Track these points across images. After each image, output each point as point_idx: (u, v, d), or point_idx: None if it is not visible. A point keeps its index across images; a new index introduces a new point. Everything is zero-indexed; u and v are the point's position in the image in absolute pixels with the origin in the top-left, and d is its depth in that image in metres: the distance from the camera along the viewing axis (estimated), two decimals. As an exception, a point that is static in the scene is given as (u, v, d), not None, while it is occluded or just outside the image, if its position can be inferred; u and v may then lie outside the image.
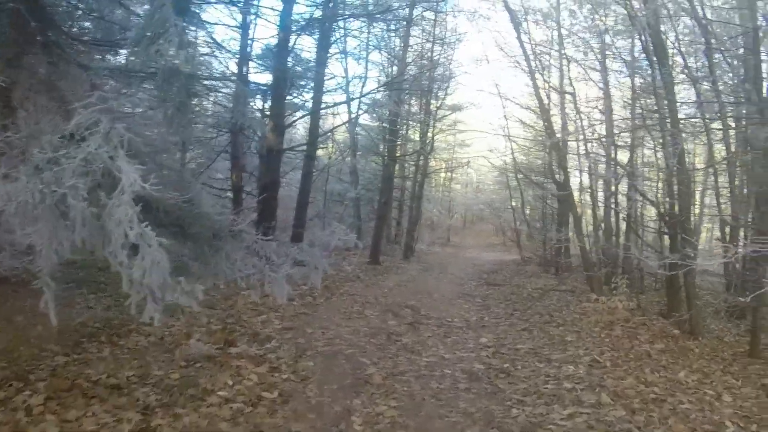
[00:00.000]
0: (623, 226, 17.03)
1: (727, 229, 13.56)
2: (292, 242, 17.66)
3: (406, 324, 10.20)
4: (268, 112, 15.87)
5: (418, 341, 9.03)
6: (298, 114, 18.60)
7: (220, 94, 15.74)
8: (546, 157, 25.23)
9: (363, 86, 25.16)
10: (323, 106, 18.28)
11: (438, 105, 27.36)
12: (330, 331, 9.12)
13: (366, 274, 17.16)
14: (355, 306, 11.57)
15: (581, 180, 20.61)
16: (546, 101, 17.90)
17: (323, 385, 6.48)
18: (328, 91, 18.63)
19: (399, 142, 26.59)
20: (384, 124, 23.47)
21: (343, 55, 23.24)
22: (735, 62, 11.43)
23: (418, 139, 26.96)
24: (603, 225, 17.10)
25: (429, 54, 24.96)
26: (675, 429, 5.59)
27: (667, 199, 12.28)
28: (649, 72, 13.61)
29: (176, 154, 11.91)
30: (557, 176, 22.03)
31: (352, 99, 22.25)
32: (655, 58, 11.10)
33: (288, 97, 18.02)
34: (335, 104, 19.77)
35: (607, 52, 15.86)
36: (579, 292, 16.00)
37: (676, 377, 7.49)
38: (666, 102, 10.58)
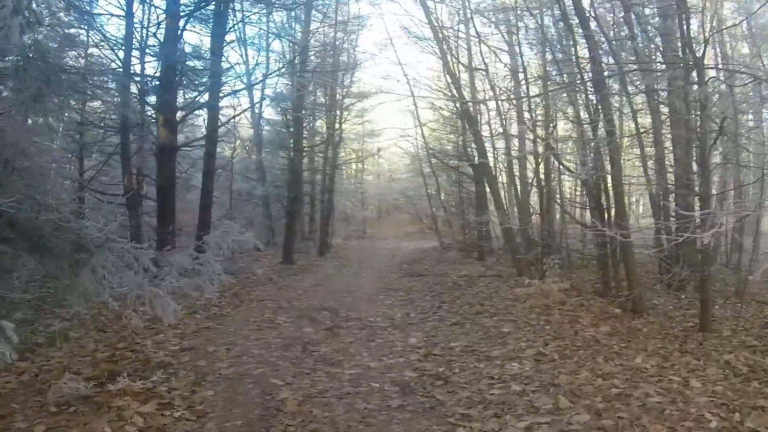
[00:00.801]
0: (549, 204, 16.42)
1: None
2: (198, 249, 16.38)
3: (324, 330, 9.02)
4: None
5: (338, 349, 7.89)
6: (199, 108, 17.06)
7: (112, 91, 14.29)
8: (459, 139, 24.69)
9: (265, 77, 23.83)
10: (221, 95, 16.78)
11: (344, 93, 26.30)
12: (237, 347, 7.85)
13: (279, 276, 15.92)
14: (266, 313, 10.31)
15: (496, 159, 19.92)
16: (456, 75, 17.08)
17: (225, 422, 5.21)
18: (227, 82, 17.16)
19: (306, 134, 25.45)
20: (288, 117, 22.17)
21: (241, 44, 21.80)
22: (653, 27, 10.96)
23: (325, 130, 25.83)
24: (525, 204, 16.46)
25: (332, 40, 23.90)
26: (653, 431, 4.74)
27: (593, 172, 11.69)
28: (563, 44, 13.07)
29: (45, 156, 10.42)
30: (472, 155, 21.43)
31: (253, 84, 20.78)
32: (576, 21, 10.39)
33: (184, 91, 16.65)
34: (234, 92, 17.99)
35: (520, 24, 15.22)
36: (507, 276, 15.31)
37: (634, 364, 6.63)
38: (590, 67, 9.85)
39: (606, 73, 9.90)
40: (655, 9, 10.62)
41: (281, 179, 24.18)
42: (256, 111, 25.16)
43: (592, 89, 10.08)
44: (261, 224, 26.52)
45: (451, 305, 11.49)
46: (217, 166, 18.86)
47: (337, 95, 25.36)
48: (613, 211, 11.18)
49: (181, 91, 16.70)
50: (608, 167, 10.66)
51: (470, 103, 16.04)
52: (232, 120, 20.00)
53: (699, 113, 8.39)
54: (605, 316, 9.64)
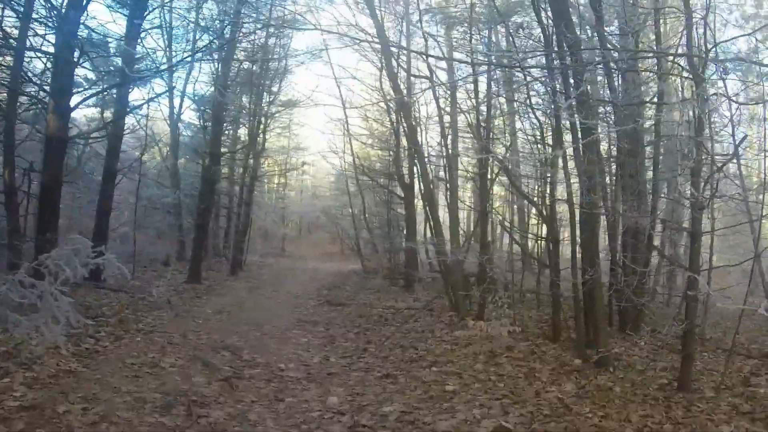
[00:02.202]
0: (498, 231, 14.87)
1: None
2: (90, 279, 13.99)
3: (219, 380, 7.01)
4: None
5: (235, 414, 5.89)
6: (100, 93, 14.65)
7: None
8: (390, 157, 23.11)
9: (188, 74, 21.63)
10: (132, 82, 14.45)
11: (270, 100, 24.28)
12: (99, 406, 5.72)
13: (180, 298, 13.73)
14: (151, 351, 8.15)
15: (435, 179, 18.36)
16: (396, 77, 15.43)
17: None
18: (142, 69, 14.81)
19: (227, 142, 23.36)
20: (206, 119, 20.02)
21: (164, 31, 19.55)
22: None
23: (247, 139, 23.73)
24: (466, 230, 14.87)
25: (262, 41, 21.99)
26: None
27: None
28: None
29: None
30: (403, 174, 19.86)
31: (171, 66, 18.37)
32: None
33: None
34: (146, 77, 15.22)
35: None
36: (439, 311, 13.65)
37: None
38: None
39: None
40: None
41: (196, 188, 21.91)
42: (175, 112, 22.94)
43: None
44: (171, 236, 24.15)
45: (379, 347, 9.71)
46: (123, 167, 16.58)
47: (264, 100, 23.31)
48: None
49: (83, 74, 14.50)
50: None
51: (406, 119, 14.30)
52: (142, 109, 17.43)
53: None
54: (565, 369, 8.08)
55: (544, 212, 10.90)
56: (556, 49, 9.03)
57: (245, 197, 23.40)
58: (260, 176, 27.38)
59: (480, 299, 12.79)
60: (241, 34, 18.31)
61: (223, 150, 20.13)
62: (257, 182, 26.37)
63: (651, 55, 10.69)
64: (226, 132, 24.29)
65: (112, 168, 14.89)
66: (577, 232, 9.38)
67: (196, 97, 21.41)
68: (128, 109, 15.05)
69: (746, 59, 8.27)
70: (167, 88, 19.51)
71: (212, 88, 18.92)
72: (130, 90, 15.50)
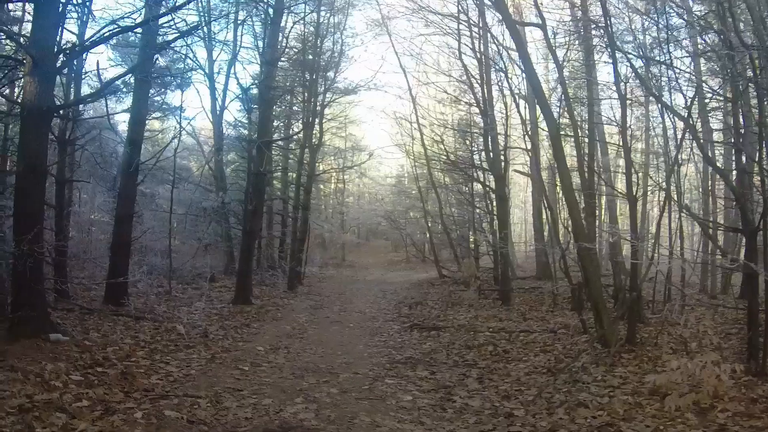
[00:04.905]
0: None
1: None
2: (107, 302, 10.79)
3: None
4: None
5: None
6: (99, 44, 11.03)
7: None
8: (471, 144, 19.48)
9: (233, 59, 18.36)
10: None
11: (327, 86, 20.85)
12: None
13: (222, 327, 10.31)
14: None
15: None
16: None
17: None
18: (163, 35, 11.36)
19: (278, 132, 20.13)
20: (253, 107, 16.57)
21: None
22: None
23: (301, 133, 20.35)
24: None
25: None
26: None
27: None
28: None
29: None
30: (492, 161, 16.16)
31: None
32: None
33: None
34: (168, 11, 11.06)
35: None
36: (570, 334, 9.89)
37: None
38: None
39: None
40: None
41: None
42: (218, 104, 19.69)
43: None
44: (220, 247, 20.93)
45: (528, 407, 5.99)
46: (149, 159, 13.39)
47: (319, 87, 19.89)
48: None
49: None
50: None
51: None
52: (174, 48, 13.50)
53: None
54: None
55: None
56: None
57: (302, 200, 19.93)
58: (317, 175, 23.95)
59: (626, 318, 9.05)
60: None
61: (275, 138, 16.70)
62: (314, 183, 23.00)
63: None
64: (278, 124, 21.01)
65: (134, 157, 11.58)
66: None
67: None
68: (155, 52, 11.59)
69: None
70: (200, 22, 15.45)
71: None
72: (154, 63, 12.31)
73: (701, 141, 7.89)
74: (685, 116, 7.32)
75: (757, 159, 6.75)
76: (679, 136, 8.21)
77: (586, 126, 13.31)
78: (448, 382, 7.08)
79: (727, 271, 10.88)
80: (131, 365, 6.89)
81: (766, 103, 6.87)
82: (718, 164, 11.92)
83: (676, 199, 9.25)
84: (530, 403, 6.14)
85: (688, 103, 7.63)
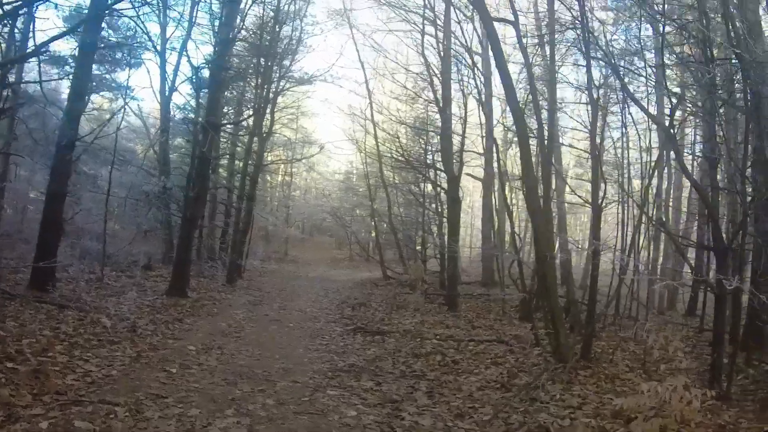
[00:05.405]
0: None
1: None
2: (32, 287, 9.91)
3: None
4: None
5: None
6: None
7: None
8: (425, 144, 19.06)
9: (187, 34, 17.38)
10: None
11: (281, 74, 20.08)
12: None
13: (153, 321, 9.51)
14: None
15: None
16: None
17: None
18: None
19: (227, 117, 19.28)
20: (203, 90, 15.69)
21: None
22: None
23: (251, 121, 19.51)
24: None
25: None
26: None
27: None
28: None
29: None
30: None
31: None
32: None
33: None
34: None
35: None
36: (522, 346, 9.52)
37: None
38: None
39: None
40: None
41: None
42: (167, 85, 18.70)
43: None
44: (155, 234, 19.90)
45: (483, 428, 5.50)
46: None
47: (273, 74, 19.09)
48: None
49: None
50: None
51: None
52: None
53: None
54: None
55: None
56: None
57: (247, 190, 19.11)
58: (265, 165, 23.12)
59: (581, 332, 8.73)
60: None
61: (223, 122, 15.89)
62: (261, 174, 22.19)
63: None
64: (228, 111, 20.14)
65: (70, 139, 10.72)
66: None
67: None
68: (101, 11, 10.69)
69: None
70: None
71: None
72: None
73: (680, 153, 7.51)
74: (666, 125, 6.96)
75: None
76: (654, 146, 7.93)
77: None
78: (396, 395, 6.52)
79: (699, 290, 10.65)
80: (46, 361, 6.11)
81: (740, 116, 6.60)
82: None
83: (647, 212, 8.91)
84: (487, 423, 5.65)
85: (671, 112, 7.28)
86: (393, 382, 7.16)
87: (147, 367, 6.68)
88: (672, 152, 7.90)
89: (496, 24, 8.42)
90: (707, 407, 5.72)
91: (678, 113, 9.22)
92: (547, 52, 12.93)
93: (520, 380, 7.31)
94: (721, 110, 7.21)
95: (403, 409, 6.01)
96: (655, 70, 8.71)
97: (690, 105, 9.39)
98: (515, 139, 18.29)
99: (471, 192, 34.37)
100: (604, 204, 8.47)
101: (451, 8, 15.54)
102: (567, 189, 15.71)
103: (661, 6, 7.68)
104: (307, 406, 5.82)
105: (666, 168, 11.95)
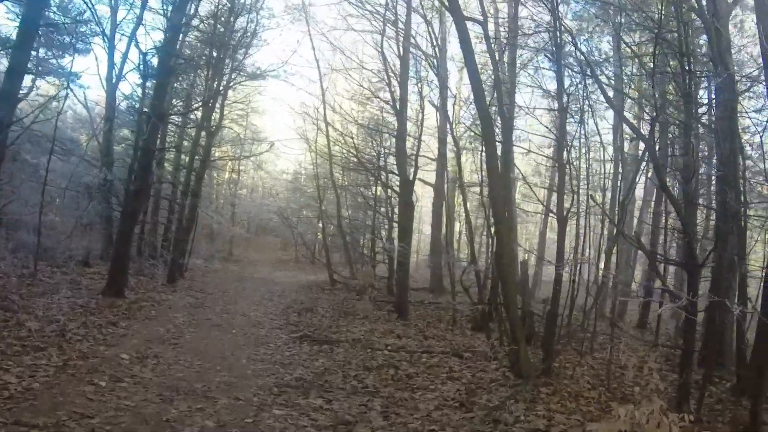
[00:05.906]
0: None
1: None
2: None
3: None
4: None
5: None
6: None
7: None
8: (376, 146, 18.63)
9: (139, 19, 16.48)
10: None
11: (234, 66, 19.31)
12: None
13: (85, 325, 8.72)
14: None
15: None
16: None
17: None
18: None
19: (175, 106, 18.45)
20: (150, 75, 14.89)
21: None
22: None
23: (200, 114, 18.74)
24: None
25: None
26: None
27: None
28: None
29: None
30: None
31: None
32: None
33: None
34: None
35: None
36: (478, 359, 9.17)
37: None
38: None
39: None
40: None
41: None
42: (114, 72, 17.75)
43: None
44: (95, 229, 18.88)
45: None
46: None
47: (225, 66, 18.35)
48: None
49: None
50: None
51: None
52: None
53: None
54: None
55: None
56: None
57: (192, 186, 18.31)
58: (212, 161, 22.30)
59: (547, 347, 8.43)
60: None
61: (171, 112, 15.14)
62: (208, 170, 21.35)
63: None
64: (177, 103, 19.31)
65: (6, 109, 9.89)
66: None
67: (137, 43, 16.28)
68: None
69: None
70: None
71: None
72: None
73: (659, 166, 7.23)
74: (646, 136, 6.68)
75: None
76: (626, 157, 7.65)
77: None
78: (348, 415, 6.03)
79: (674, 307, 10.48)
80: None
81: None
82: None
83: (616, 224, 8.65)
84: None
85: (652, 123, 7.01)
86: (344, 399, 6.67)
87: (74, 379, 6.01)
88: (650, 163, 7.65)
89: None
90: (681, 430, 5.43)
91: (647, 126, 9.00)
92: (506, 59, 12.71)
93: (479, 398, 6.93)
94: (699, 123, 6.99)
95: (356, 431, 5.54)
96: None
97: (669, 116, 9.19)
98: (468, 145, 18.14)
99: (421, 197, 34.12)
100: (568, 215, 8.16)
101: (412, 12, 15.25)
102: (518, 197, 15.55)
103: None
104: (251, 427, 5.28)
105: (639, 179, 11.79)
